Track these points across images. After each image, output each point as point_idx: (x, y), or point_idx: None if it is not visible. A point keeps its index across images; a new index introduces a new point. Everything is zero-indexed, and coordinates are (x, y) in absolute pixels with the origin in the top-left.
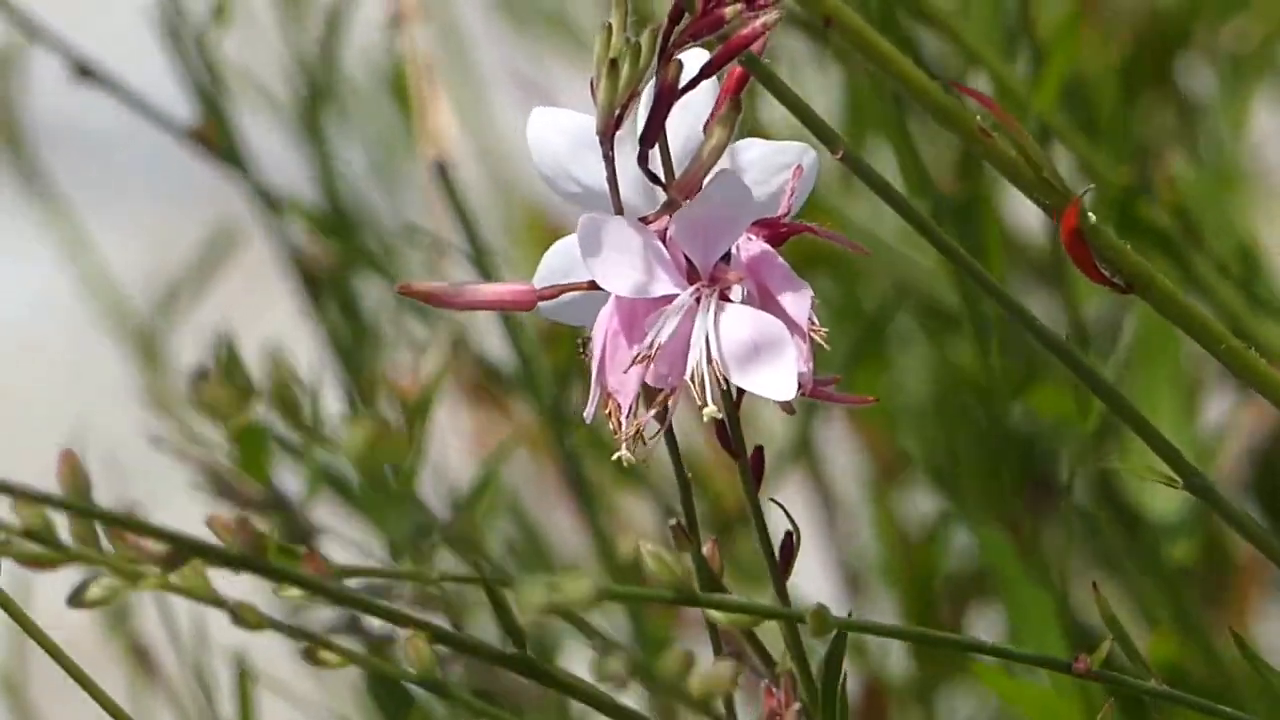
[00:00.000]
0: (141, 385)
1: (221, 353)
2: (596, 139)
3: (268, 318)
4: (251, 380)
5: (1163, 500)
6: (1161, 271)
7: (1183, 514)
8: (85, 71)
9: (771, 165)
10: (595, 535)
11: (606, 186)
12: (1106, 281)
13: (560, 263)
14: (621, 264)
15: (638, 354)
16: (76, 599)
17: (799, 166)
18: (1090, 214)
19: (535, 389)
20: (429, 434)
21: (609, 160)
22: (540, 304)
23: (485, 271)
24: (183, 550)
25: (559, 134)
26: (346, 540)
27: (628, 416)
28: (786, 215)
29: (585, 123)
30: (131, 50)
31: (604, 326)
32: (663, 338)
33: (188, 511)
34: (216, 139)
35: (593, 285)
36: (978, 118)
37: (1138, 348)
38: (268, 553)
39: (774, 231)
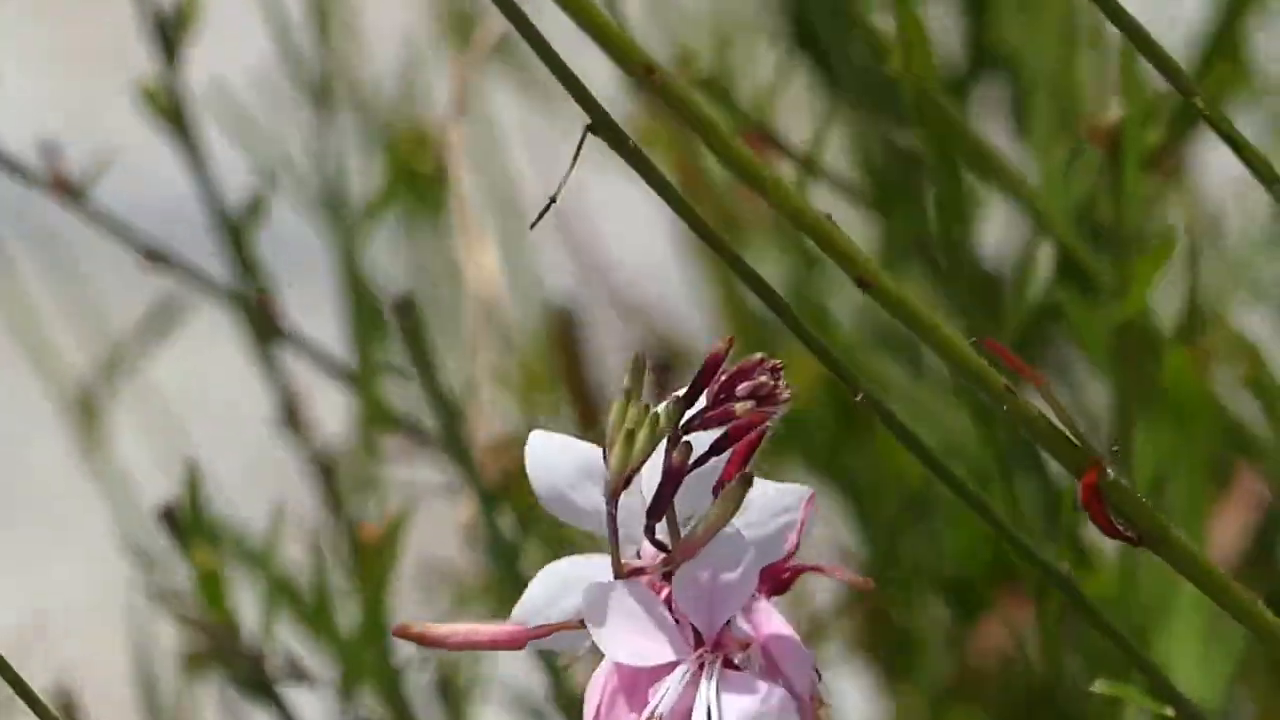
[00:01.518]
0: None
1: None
2: (594, 468)
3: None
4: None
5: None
6: None
7: None
8: (156, 257)
9: (772, 507)
10: None
11: (603, 509)
12: (1120, 535)
13: (546, 591)
14: (625, 631)
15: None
16: None
17: (807, 503)
18: (1109, 471)
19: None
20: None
21: (612, 519)
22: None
23: (449, 421)
24: None
25: (558, 463)
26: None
27: None
28: (791, 558)
29: (583, 452)
30: None
31: (601, 684)
32: (664, 709)
33: None
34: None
35: (583, 622)
36: (1004, 379)
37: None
38: None
39: (778, 578)
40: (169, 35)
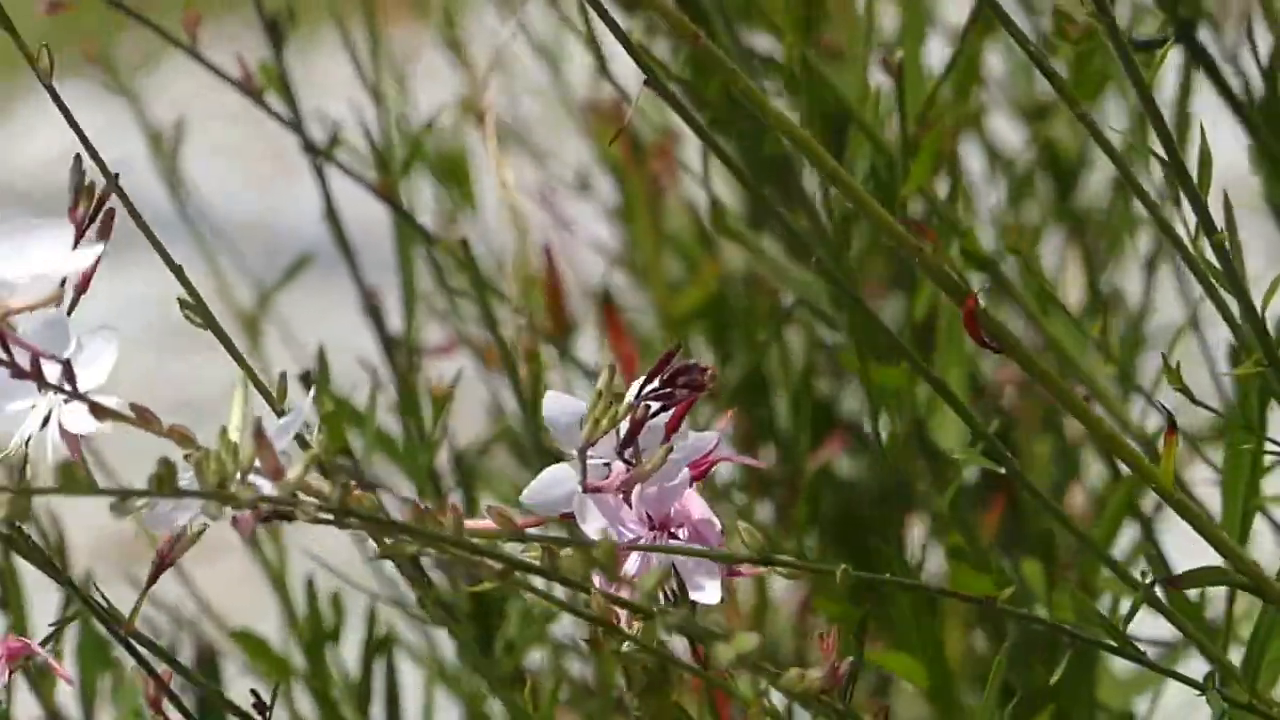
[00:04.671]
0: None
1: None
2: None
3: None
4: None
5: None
6: None
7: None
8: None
9: (698, 447)
10: None
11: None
12: (988, 345)
13: (547, 482)
14: (603, 521)
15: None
16: None
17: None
18: (981, 299)
19: None
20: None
21: (583, 462)
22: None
23: (491, 321)
24: None
25: (565, 414)
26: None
27: (628, 624)
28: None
29: (578, 406)
30: None
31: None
32: (632, 570)
33: None
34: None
35: (565, 517)
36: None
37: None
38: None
39: (700, 470)
40: (278, 29)
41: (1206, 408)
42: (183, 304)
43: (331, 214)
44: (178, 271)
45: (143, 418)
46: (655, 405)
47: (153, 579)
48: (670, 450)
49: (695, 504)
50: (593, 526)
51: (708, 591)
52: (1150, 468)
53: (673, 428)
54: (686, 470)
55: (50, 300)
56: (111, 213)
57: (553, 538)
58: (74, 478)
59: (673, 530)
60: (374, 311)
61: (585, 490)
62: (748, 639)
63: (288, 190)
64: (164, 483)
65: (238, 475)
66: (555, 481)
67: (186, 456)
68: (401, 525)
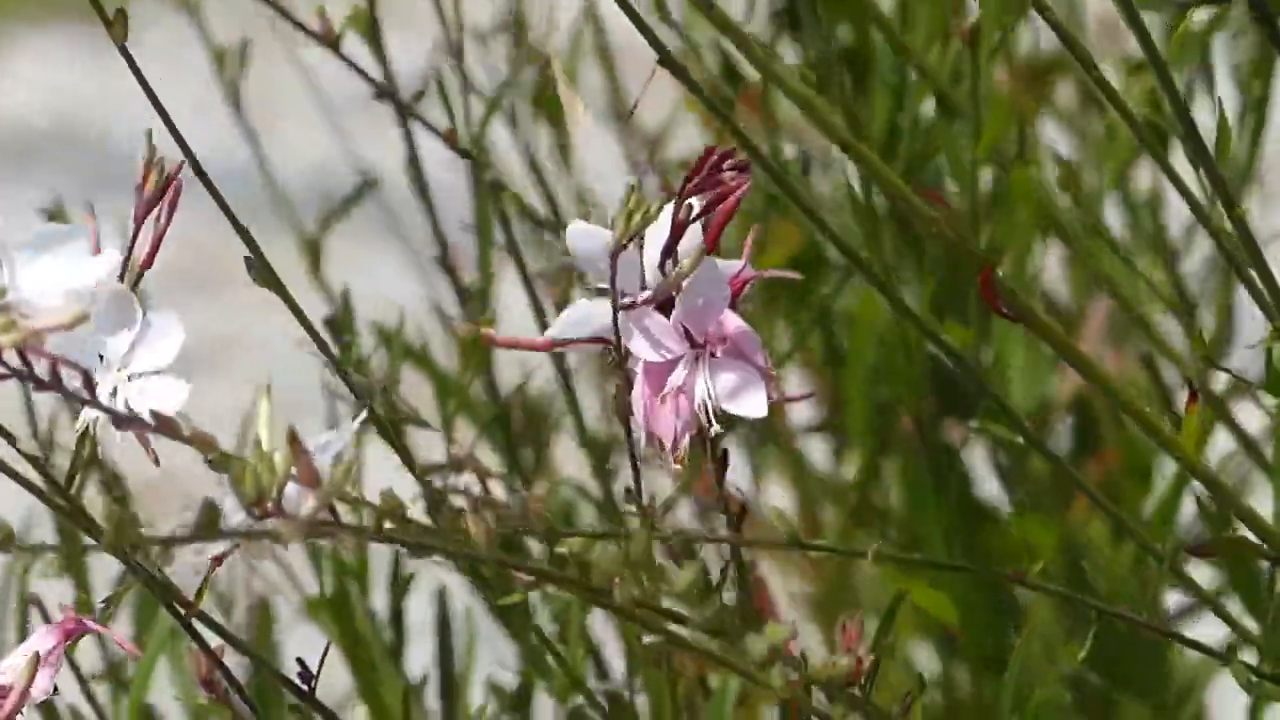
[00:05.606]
0: None
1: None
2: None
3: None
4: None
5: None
6: None
7: None
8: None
9: (728, 269)
10: None
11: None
12: (1004, 314)
13: (573, 319)
14: (646, 339)
15: (663, 397)
16: None
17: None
18: (999, 270)
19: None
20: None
21: (613, 271)
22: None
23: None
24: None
25: (590, 242)
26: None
27: (673, 449)
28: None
29: (604, 234)
30: None
31: (641, 395)
32: (678, 383)
33: None
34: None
35: (592, 341)
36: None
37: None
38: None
39: (735, 290)
40: None
41: (1232, 374)
42: (248, 262)
43: (414, 162)
44: (243, 231)
45: (171, 428)
46: (697, 208)
47: (210, 572)
48: (696, 261)
49: (731, 319)
50: (640, 345)
51: (752, 403)
52: (1173, 437)
53: (719, 225)
54: (726, 281)
55: (79, 319)
56: (179, 186)
57: (587, 533)
58: (123, 528)
59: (713, 349)
60: (446, 263)
61: (618, 307)
62: (780, 630)
63: (277, 144)
64: (211, 524)
65: (274, 490)
66: (584, 317)
67: (208, 461)
68: (433, 531)
